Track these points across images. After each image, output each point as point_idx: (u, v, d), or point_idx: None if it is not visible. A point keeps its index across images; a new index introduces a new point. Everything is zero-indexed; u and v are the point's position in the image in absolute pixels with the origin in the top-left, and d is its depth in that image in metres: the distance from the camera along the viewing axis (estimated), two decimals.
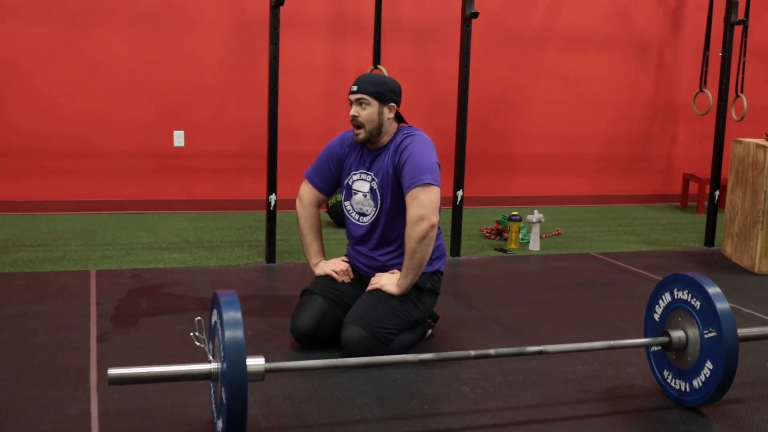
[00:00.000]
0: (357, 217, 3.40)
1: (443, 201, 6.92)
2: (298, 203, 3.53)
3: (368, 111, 3.24)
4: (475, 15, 4.93)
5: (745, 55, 6.87)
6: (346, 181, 3.43)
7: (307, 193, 3.51)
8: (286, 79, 5.80)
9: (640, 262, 5.22)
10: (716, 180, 5.78)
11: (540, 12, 7.24)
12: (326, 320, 3.29)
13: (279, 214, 4.95)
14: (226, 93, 6.46)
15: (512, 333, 3.68)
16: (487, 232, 5.92)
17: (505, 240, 5.74)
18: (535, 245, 5.52)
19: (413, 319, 3.29)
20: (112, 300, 3.94)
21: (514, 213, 5.53)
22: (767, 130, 7.64)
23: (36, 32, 5.98)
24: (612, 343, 2.84)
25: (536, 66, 7.32)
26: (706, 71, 7.23)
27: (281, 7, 4.72)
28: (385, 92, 3.27)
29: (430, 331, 3.54)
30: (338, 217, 5.88)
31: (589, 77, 7.49)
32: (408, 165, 3.18)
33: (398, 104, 3.33)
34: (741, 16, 5.83)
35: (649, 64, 7.70)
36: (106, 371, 2.32)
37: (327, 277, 3.43)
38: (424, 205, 3.11)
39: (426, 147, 3.26)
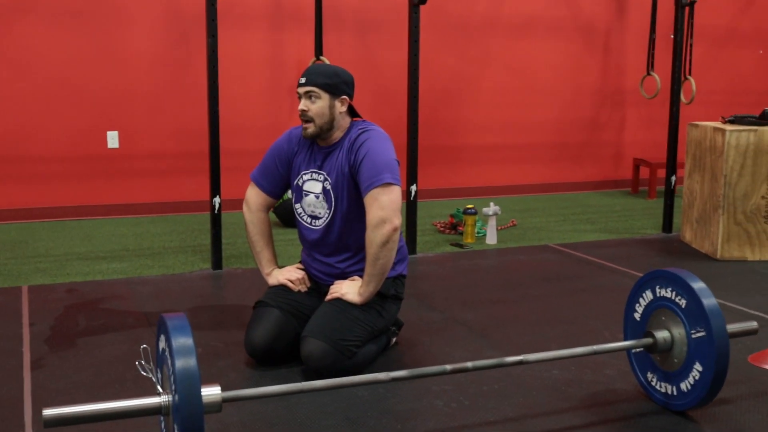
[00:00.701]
0: (309, 220, 3.14)
1: None
2: (245, 208, 3.26)
3: (318, 104, 2.98)
4: (423, 1, 4.70)
5: (692, 37, 6.80)
6: (295, 182, 3.16)
7: (254, 196, 3.24)
8: (224, 74, 5.50)
9: (599, 252, 5.08)
10: (672, 164, 5.67)
11: None
12: (283, 334, 3.04)
13: (224, 215, 4.68)
14: (162, 89, 6.13)
15: (480, 336, 3.47)
16: (441, 227, 5.72)
17: (461, 234, 5.54)
18: (492, 239, 5.34)
19: (377, 328, 3.06)
20: (47, 319, 3.63)
21: (469, 206, 5.34)
22: (716, 112, 7.60)
23: None
24: (595, 348, 2.65)
25: (483, 54, 7.14)
26: (653, 54, 7.16)
27: None
28: (337, 84, 3.01)
29: (394, 339, 3.32)
30: (286, 216, 5.62)
31: (536, 64, 7.34)
32: (365, 163, 2.93)
33: (351, 97, 3.08)
34: None
35: (596, 49, 7.58)
36: (41, 406, 2.04)
37: (282, 287, 3.17)
38: (385, 207, 2.87)
39: (384, 143, 3.02)
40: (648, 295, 2.78)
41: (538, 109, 7.42)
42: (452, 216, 5.74)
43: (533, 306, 3.93)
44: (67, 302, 3.91)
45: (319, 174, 3.08)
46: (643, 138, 7.88)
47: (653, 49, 7.17)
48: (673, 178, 5.67)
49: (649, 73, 7.20)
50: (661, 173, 7.35)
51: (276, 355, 3.03)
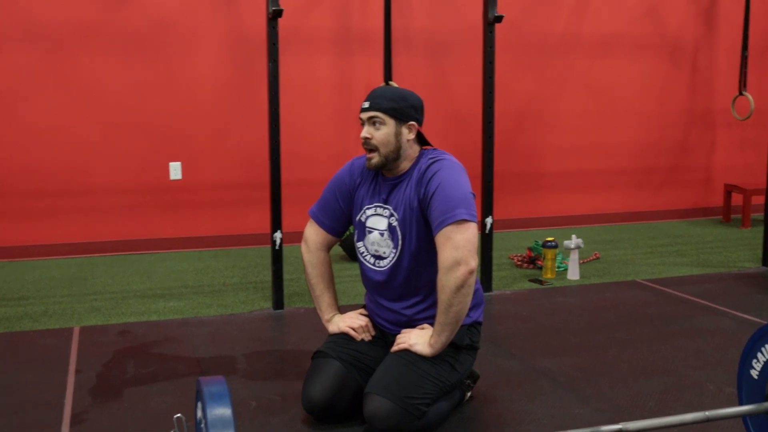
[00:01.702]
0: (373, 260, 2.81)
1: None
2: (303, 247, 2.95)
3: (383, 132, 2.67)
4: (499, 19, 4.37)
5: None
6: (358, 218, 2.84)
7: (313, 235, 2.93)
8: (289, 100, 5.28)
9: (694, 289, 4.63)
10: None
11: (564, 16, 6.68)
12: (344, 389, 2.71)
13: (287, 249, 4.40)
14: (225, 119, 5.91)
15: (566, 389, 3.08)
16: (518, 261, 5.33)
17: (540, 269, 5.15)
18: (574, 274, 4.93)
19: (450, 383, 2.71)
20: (95, 365, 3.38)
21: (549, 239, 4.95)
22: None
23: (15, 60, 5.46)
24: (708, 414, 2.24)
25: (562, 75, 6.75)
26: (746, 73, 6.67)
27: (281, 21, 4.18)
28: (404, 108, 2.69)
29: (469, 394, 2.96)
30: (353, 250, 5.30)
31: (619, 84, 6.92)
32: (437, 198, 2.59)
33: (420, 123, 2.76)
34: None
35: (683, 67, 7.12)
36: None
37: (343, 335, 2.84)
38: (459, 247, 2.52)
39: (457, 174, 2.67)
40: None
41: (620, 132, 6.99)
42: (530, 249, 5.36)
43: (624, 352, 3.52)
44: (118, 346, 3.66)
45: (385, 209, 2.76)
46: (735, 162, 7.36)
47: (746, 66, 6.67)
48: None
49: (741, 93, 6.71)
50: (757, 200, 6.85)
51: (336, 413, 2.71)
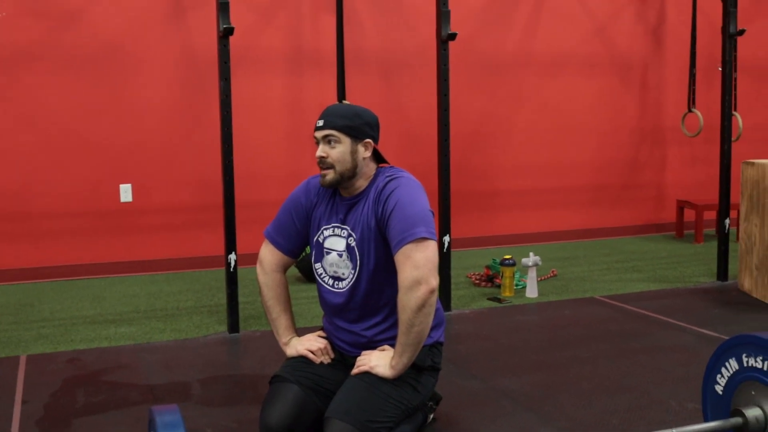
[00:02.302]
0: (332, 282, 2.72)
1: None
2: (258, 269, 2.86)
3: (338, 150, 2.60)
4: (453, 37, 4.35)
5: (736, 71, 6.41)
6: (315, 238, 2.76)
7: (268, 255, 2.84)
8: (241, 121, 5.20)
9: (652, 305, 4.63)
10: (725, 206, 5.23)
11: (516, 35, 6.71)
12: (304, 413, 2.62)
13: (241, 271, 4.31)
14: (176, 140, 5.80)
15: (528, 409, 3.03)
16: (476, 279, 5.30)
17: (498, 287, 5.12)
18: (532, 292, 4.91)
19: (412, 405, 2.64)
20: (42, 395, 3.25)
21: (507, 257, 4.92)
22: (763, 150, 7.20)
23: None
24: (675, 431, 2.21)
25: (514, 93, 6.77)
26: (694, 90, 6.79)
27: (232, 40, 4.11)
28: (359, 126, 2.63)
29: (431, 416, 2.90)
30: (309, 271, 5.23)
31: (570, 103, 6.96)
32: (395, 216, 2.52)
33: (376, 140, 2.69)
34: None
35: (634, 85, 7.19)
36: None
37: (301, 359, 2.76)
38: (420, 266, 2.45)
39: (415, 191, 2.60)
40: (732, 365, 2.35)
41: (574, 150, 7.03)
42: (488, 267, 5.33)
43: (586, 370, 3.49)
44: (66, 374, 3.53)
45: (342, 229, 2.68)
46: (687, 178, 7.45)
47: (694, 84, 6.78)
48: (727, 221, 5.22)
49: (690, 110, 6.82)
50: (708, 215, 6.93)
51: None
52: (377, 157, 2.73)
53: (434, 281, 2.46)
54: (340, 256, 2.67)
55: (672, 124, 7.25)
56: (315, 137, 2.66)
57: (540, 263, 4.93)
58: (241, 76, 5.62)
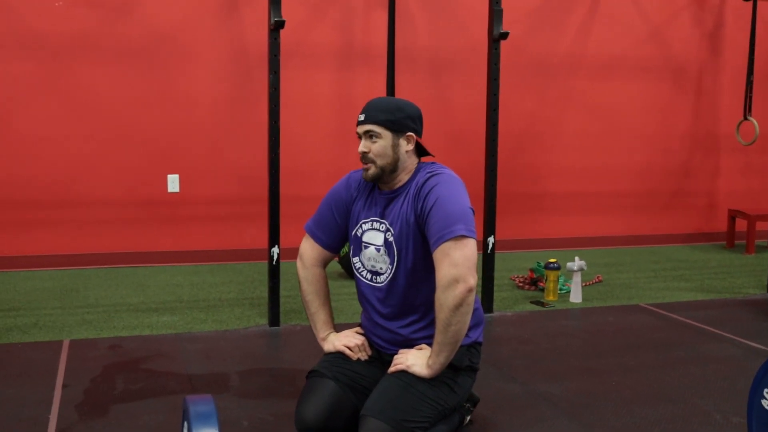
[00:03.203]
0: (369, 276, 2.70)
1: None
2: (298, 263, 2.85)
3: (380, 144, 2.58)
4: (504, 36, 4.30)
5: None
6: (354, 232, 2.74)
7: (309, 250, 2.83)
8: (289, 115, 5.21)
9: (699, 315, 4.53)
10: None
11: (568, 36, 6.62)
12: (339, 410, 2.60)
13: (284, 264, 4.31)
14: (224, 132, 5.83)
15: (568, 416, 2.98)
16: (520, 282, 5.24)
17: (542, 291, 5.06)
18: (576, 297, 4.84)
19: (449, 406, 2.61)
20: (82, 380, 3.28)
21: (552, 260, 4.86)
22: None
23: (11, 69, 5.39)
24: None
25: (565, 95, 6.69)
26: (751, 97, 6.62)
27: (283, 35, 4.12)
28: (400, 119, 2.59)
29: (468, 418, 2.86)
30: (350, 267, 5.20)
31: (622, 106, 6.85)
32: (435, 213, 2.49)
33: (419, 133, 2.65)
34: None
35: (687, 90, 7.05)
36: None
37: (339, 355, 2.75)
38: (458, 264, 2.42)
39: (456, 189, 2.57)
40: None
41: (624, 154, 6.92)
42: (532, 270, 5.27)
43: (628, 379, 3.42)
44: (107, 360, 3.56)
45: (381, 223, 2.65)
46: (739, 187, 7.29)
47: (751, 91, 6.62)
48: None
49: (746, 118, 6.66)
50: (761, 226, 6.77)
51: None
52: (420, 150, 2.70)
53: (472, 280, 2.42)
54: (378, 250, 2.65)
55: (726, 131, 7.11)
56: (357, 132, 2.64)
57: (585, 268, 4.86)
58: (290, 71, 5.63)
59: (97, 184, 5.63)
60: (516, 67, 6.38)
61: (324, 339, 2.81)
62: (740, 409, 2.90)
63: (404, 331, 2.67)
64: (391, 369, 2.60)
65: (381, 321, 2.71)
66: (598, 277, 5.48)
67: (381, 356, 2.74)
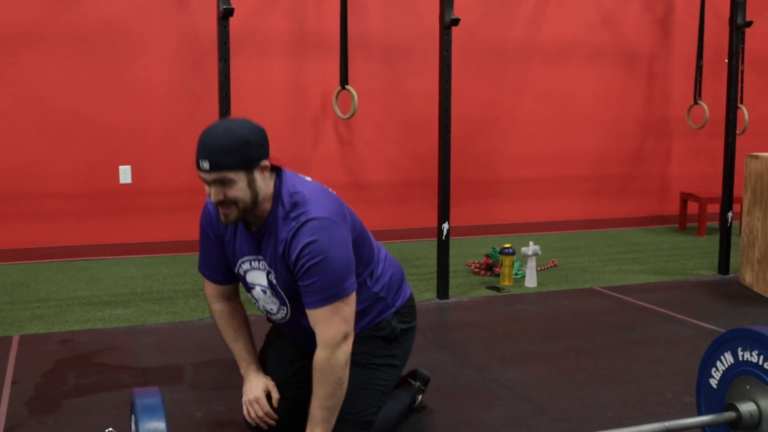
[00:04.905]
0: (266, 314, 2.58)
1: (426, 233, 6.27)
2: (209, 302, 2.68)
3: (236, 188, 2.24)
4: (456, 22, 4.30)
5: (743, 63, 6.36)
6: (236, 270, 2.49)
7: (208, 289, 2.64)
8: (242, 104, 5.16)
9: (652, 297, 4.59)
10: (728, 199, 5.18)
11: (521, 23, 6.64)
12: (291, 415, 2.57)
13: None
14: (177, 122, 5.76)
15: (523, 399, 3.00)
16: (475, 268, 5.26)
17: (497, 276, 5.08)
18: (531, 281, 4.88)
19: (395, 379, 2.58)
20: (33, 376, 3.22)
21: (507, 245, 4.88)
22: (766, 143, 7.14)
23: None
24: (667, 425, 2.17)
25: (519, 82, 6.71)
26: (701, 82, 6.73)
27: (234, 23, 4.07)
28: (248, 155, 2.24)
29: (419, 398, 2.86)
30: None
31: (575, 92, 6.90)
32: (319, 272, 2.24)
33: (268, 155, 2.31)
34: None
35: (640, 76, 7.12)
36: None
37: (276, 364, 2.63)
38: (348, 320, 2.28)
39: (335, 236, 2.28)
40: (728, 359, 2.32)
41: (577, 140, 6.97)
42: (488, 256, 5.29)
43: (582, 361, 3.45)
44: (59, 355, 3.50)
45: (260, 261, 2.40)
46: (691, 171, 7.39)
47: (701, 76, 6.72)
48: (730, 214, 5.18)
49: (696, 102, 6.76)
50: (712, 208, 6.87)
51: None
52: (272, 166, 2.39)
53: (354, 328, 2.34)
54: (265, 292, 2.45)
55: (677, 115, 7.19)
56: (202, 177, 2.30)
57: (540, 253, 4.89)
58: (242, 59, 5.58)
59: (48, 177, 5.53)
60: (470, 53, 6.39)
61: (244, 375, 2.61)
62: (691, 388, 2.94)
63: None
64: None
65: (294, 330, 2.57)
66: (553, 261, 5.53)
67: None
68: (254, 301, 2.54)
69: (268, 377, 2.57)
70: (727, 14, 5.19)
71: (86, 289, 4.77)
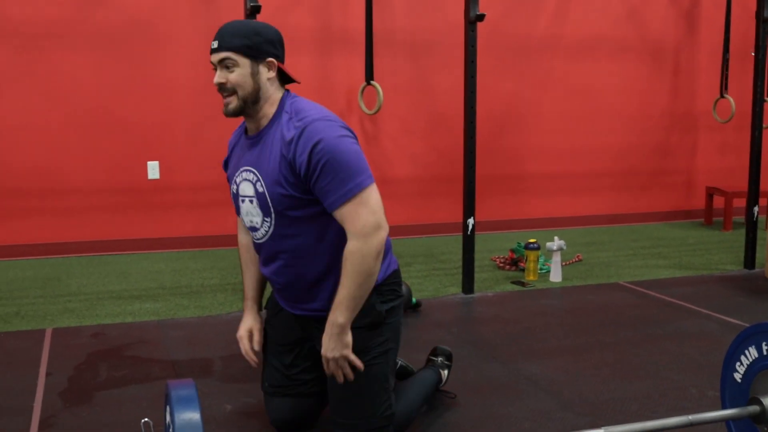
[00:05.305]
0: (253, 233, 2.49)
1: (451, 228, 6.30)
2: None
3: (238, 72, 2.32)
4: (481, 17, 4.32)
5: None
6: (234, 190, 2.50)
7: (238, 222, 2.68)
8: None
9: (676, 292, 4.59)
10: (754, 194, 5.17)
11: (545, 18, 6.65)
12: (305, 414, 2.61)
13: None
14: (204, 118, 5.82)
15: (548, 393, 3.03)
16: (500, 263, 5.28)
17: (522, 271, 5.10)
18: (556, 276, 4.89)
19: (392, 361, 2.51)
20: (66, 368, 3.29)
21: (532, 240, 4.90)
22: None
23: None
24: (691, 418, 2.19)
25: (544, 77, 6.72)
26: (727, 76, 6.69)
27: (260, 19, 4.10)
28: (259, 44, 2.32)
29: (446, 373, 2.90)
30: None
31: (601, 87, 6.89)
32: (331, 170, 2.23)
33: (280, 59, 2.40)
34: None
35: (665, 70, 7.10)
36: None
37: (277, 367, 2.62)
38: (376, 211, 2.25)
39: (339, 133, 2.28)
40: (752, 353, 2.33)
41: (603, 134, 6.97)
42: (513, 251, 5.31)
43: (607, 356, 3.47)
44: (91, 348, 3.57)
45: (250, 172, 2.40)
46: (717, 165, 7.36)
47: (727, 69, 6.69)
48: (756, 208, 5.16)
49: (722, 96, 6.73)
50: (738, 203, 6.84)
51: (306, 427, 2.62)
52: (283, 76, 2.46)
53: (387, 224, 2.31)
54: (251, 202, 2.42)
55: (703, 109, 7.17)
56: (211, 62, 2.37)
57: (564, 248, 4.90)
58: None
59: (77, 172, 5.62)
60: (495, 48, 6.40)
61: (244, 307, 2.67)
62: (715, 383, 2.95)
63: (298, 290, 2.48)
64: (328, 371, 2.39)
65: (278, 279, 2.50)
66: (578, 256, 5.53)
67: (298, 322, 2.56)
68: (243, 219, 2.51)
69: (257, 315, 2.63)
70: (753, 7, 5.17)
71: (116, 283, 4.85)
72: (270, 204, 2.35)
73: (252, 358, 2.60)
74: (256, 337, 2.60)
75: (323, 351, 2.32)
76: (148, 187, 5.78)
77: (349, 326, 2.29)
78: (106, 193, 5.70)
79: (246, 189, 2.42)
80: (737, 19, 6.76)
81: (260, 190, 2.36)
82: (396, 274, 2.53)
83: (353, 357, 2.33)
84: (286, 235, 2.38)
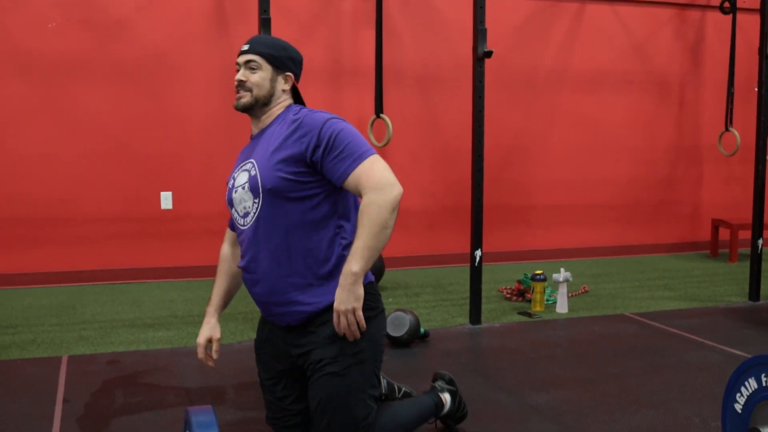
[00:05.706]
0: (241, 221, 2.53)
1: (459, 258, 6.35)
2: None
3: (259, 75, 2.52)
4: (489, 54, 4.43)
5: None
6: (230, 185, 2.58)
7: (227, 231, 2.79)
8: None
9: (682, 323, 4.65)
10: (759, 226, 5.24)
11: (552, 52, 6.76)
12: None
13: None
14: (216, 149, 5.94)
15: (555, 423, 3.09)
16: (507, 293, 5.35)
17: (529, 302, 5.17)
18: (563, 307, 4.96)
19: (370, 372, 2.48)
20: (83, 395, 3.37)
21: (538, 272, 4.97)
22: None
23: (5, 89, 5.50)
24: None
25: (550, 110, 6.82)
26: (732, 109, 6.77)
27: None
28: (283, 58, 2.56)
29: (447, 397, 2.94)
30: None
31: (606, 119, 6.99)
32: (343, 140, 2.37)
33: (297, 77, 2.63)
34: None
35: (670, 103, 7.20)
36: None
37: (274, 402, 2.66)
38: (387, 171, 2.36)
39: (337, 117, 2.47)
40: (752, 384, 2.39)
41: (609, 167, 7.05)
42: (519, 282, 5.38)
43: (612, 387, 3.54)
44: (106, 375, 3.65)
45: (248, 162, 2.53)
46: (722, 197, 7.43)
47: (732, 103, 6.78)
48: (760, 241, 5.23)
49: (727, 129, 6.81)
50: (743, 235, 6.90)
51: None
52: (295, 95, 2.65)
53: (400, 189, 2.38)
54: (244, 188, 2.50)
55: (708, 142, 7.26)
56: (237, 63, 2.57)
57: (571, 279, 4.97)
58: None
59: (92, 202, 5.73)
60: (502, 82, 6.51)
61: (206, 313, 2.76)
62: (719, 414, 3.01)
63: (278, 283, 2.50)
64: (339, 330, 2.39)
65: (254, 269, 2.53)
66: (584, 287, 5.60)
67: (283, 342, 2.57)
68: (236, 210, 2.54)
69: (217, 324, 2.73)
70: (757, 43, 5.27)
71: (129, 311, 4.93)
72: (259, 183, 2.43)
73: (209, 364, 2.74)
74: (215, 346, 2.72)
75: (336, 305, 2.34)
76: (162, 217, 5.88)
77: (362, 277, 2.33)
78: (120, 223, 5.80)
79: (241, 178, 2.52)
80: (741, 54, 6.87)
81: (253, 173, 2.47)
82: (371, 285, 2.52)
83: (360, 314, 2.36)
84: (274, 215, 2.43)
